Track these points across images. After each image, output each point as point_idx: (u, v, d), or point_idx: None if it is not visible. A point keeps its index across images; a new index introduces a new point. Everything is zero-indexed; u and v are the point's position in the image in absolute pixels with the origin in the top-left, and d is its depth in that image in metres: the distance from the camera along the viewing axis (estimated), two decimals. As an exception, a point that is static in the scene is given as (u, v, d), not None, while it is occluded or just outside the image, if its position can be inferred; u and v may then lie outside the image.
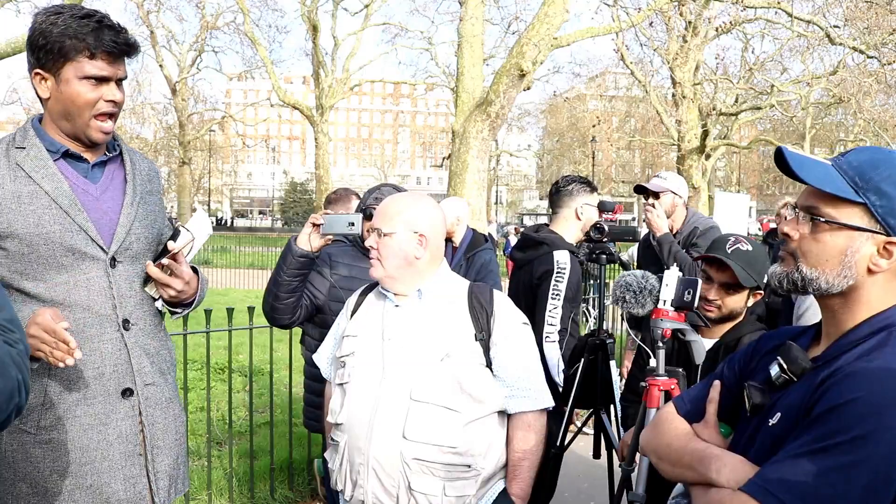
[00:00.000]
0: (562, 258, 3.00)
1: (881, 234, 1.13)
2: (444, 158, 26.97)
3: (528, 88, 9.18)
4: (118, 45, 1.71)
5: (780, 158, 1.18)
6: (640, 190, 3.81)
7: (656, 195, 3.72)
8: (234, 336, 4.03)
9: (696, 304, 2.23)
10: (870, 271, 1.14)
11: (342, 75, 25.50)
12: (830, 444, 1.02)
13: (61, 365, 1.57)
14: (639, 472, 2.24)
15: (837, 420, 1.03)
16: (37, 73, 1.72)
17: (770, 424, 1.16)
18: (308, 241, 2.34)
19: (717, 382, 1.34)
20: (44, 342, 1.55)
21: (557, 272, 2.98)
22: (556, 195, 3.23)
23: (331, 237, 2.35)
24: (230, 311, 3.77)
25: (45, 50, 1.68)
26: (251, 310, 3.80)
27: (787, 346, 1.20)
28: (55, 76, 1.70)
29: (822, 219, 1.16)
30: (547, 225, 3.25)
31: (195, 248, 1.91)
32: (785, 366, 1.18)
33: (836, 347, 1.16)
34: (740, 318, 2.39)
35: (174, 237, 1.86)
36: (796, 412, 1.12)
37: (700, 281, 2.26)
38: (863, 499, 1.00)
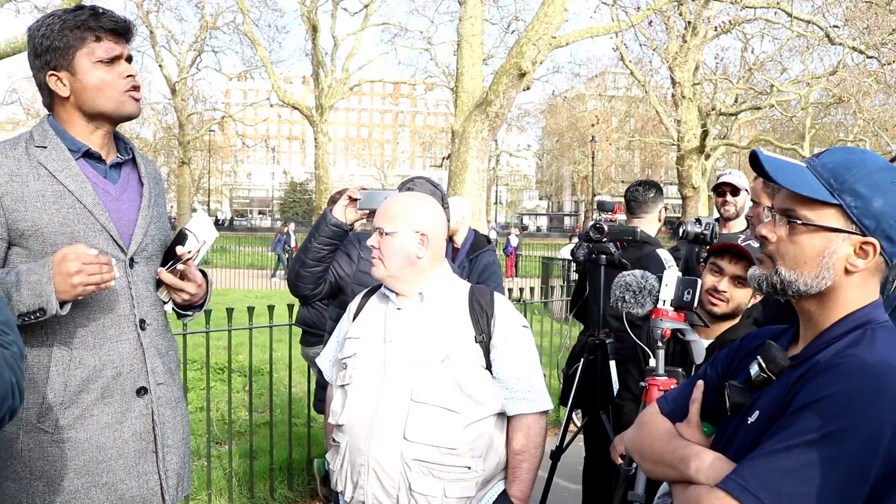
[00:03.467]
0: (665, 255, 3.30)
1: (857, 234, 1.14)
2: (443, 158, 26.96)
3: (528, 88, 9.17)
4: (118, 24, 1.77)
5: (756, 162, 1.19)
6: (723, 185, 3.76)
7: (736, 191, 3.72)
8: (234, 336, 4.03)
9: (695, 304, 2.23)
10: (847, 271, 1.16)
11: (342, 75, 25.44)
12: (805, 441, 1.03)
13: (112, 284, 1.64)
14: (639, 472, 2.24)
15: (812, 416, 1.04)
16: (51, 75, 1.74)
17: (749, 423, 1.17)
18: (344, 213, 2.39)
19: (700, 382, 1.35)
20: (90, 273, 1.60)
21: (669, 266, 3.26)
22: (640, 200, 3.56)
23: (366, 212, 2.38)
24: (230, 311, 3.77)
25: (52, 49, 1.71)
26: (251, 310, 3.81)
27: (767, 345, 1.21)
28: (69, 71, 1.73)
29: (798, 221, 1.17)
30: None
31: (203, 251, 1.92)
32: (764, 365, 1.19)
33: (813, 346, 1.18)
34: (737, 321, 2.38)
35: (180, 240, 1.87)
36: (773, 410, 1.13)
37: (700, 281, 2.26)
38: (837, 494, 1.01)
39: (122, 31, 1.77)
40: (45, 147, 1.74)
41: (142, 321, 1.82)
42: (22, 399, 1.18)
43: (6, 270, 1.65)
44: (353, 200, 2.37)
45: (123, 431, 1.77)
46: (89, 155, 1.79)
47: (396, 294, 2.01)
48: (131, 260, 1.80)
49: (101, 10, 1.75)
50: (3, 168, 1.70)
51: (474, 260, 3.84)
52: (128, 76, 1.78)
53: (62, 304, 1.61)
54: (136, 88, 1.80)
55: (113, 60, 1.76)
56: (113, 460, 1.75)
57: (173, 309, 1.93)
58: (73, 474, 1.71)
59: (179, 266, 1.83)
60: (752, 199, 2.75)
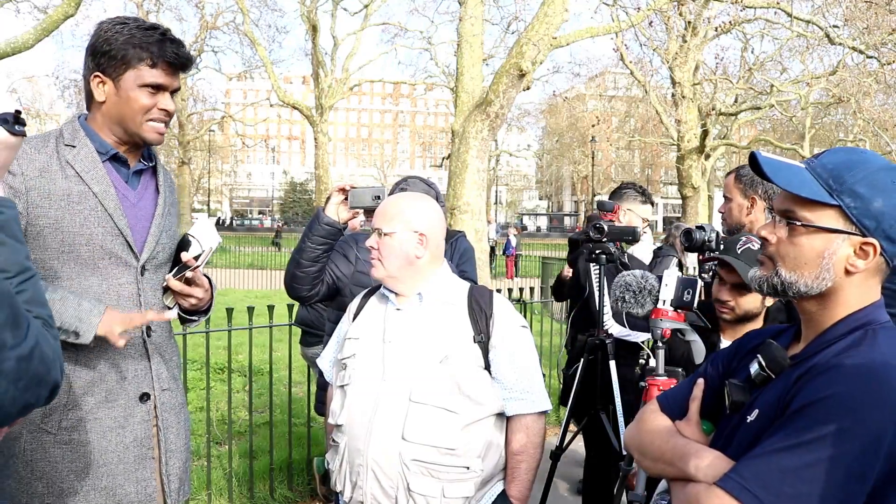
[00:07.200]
0: None
1: (857, 235, 1.14)
2: (443, 158, 26.94)
3: (528, 88, 9.16)
4: (179, 58, 1.81)
5: (755, 163, 1.19)
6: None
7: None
8: (234, 336, 4.03)
9: (695, 304, 2.23)
10: (847, 272, 1.16)
11: (342, 75, 25.43)
12: (805, 441, 1.03)
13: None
14: (639, 471, 2.24)
15: (812, 416, 1.05)
16: (96, 77, 1.78)
17: (748, 421, 1.18)
18: (336, 211, 2.38)
19: (700, 380, 1.35)
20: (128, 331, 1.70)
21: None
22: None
23: (358, 211, 2.38)
24: (230, 311, 3.76)
25: (109, 56, 1.76)
26: (251, 310, 3.80)
27: (767, 344, 1.22)
28: (115, 81, 1.78)
29: (798, 222, 1.17)
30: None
31: (207, 256, 1.93)
32: (764, 363, 1.19)
33: (814, 346, 1.18)
34: (760, 324, 2.35)
35: (184, 247, 1.89)
36: (773, 409, 1.14)
37: (699, 281, 2.26)
38: (836, 495, 1.01)
39: (178, 65, 1.81)
40: (73, 146, 1.78)
41: (148, 328, 1.84)
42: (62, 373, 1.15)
43: (50, 287, 1.66)
44: (344, 198, 2.36)
45: (125, 436, 1.78)
46: (116, 158, 1.83)
47: (396, 294, 2.01)
48: (143, 267, 1.82)
49: (170, 38, 1.80)
50: (34, 164, 1.72)
51: (454, 244, 3.91)
52: (161, 109, 1.81)
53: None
54: (164, 122, 1.84)
55: (158, 89, 1.79)
56: (113, 464, 1.76)
57: (178, 315, 1.95)
58: (74, 476, 1.72)
59: (188, 273, 1.84)
60: (724, 195, 2.74)
